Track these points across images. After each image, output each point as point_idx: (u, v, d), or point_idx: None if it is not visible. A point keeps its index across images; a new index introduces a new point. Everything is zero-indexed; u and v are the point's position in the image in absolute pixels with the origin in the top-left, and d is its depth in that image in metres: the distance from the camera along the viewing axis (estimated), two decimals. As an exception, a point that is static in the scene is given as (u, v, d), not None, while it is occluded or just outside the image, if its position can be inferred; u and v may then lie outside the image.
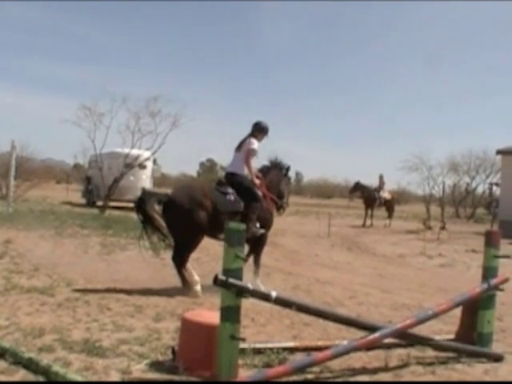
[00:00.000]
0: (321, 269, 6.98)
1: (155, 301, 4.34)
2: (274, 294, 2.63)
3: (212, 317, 2.76)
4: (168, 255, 5.12)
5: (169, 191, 5.07)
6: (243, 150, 5.03)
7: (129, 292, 4.60)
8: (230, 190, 4.94)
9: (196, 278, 4.58)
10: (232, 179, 5.01)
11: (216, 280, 2.48)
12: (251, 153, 5.02)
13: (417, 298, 5.19)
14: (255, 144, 5.06)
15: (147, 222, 4.80)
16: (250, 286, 2.56)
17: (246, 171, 5.05)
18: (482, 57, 78.62)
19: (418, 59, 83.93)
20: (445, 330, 3.82)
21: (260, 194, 5.07)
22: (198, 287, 4.56)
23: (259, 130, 5.18)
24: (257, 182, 5.11)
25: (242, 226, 2.62)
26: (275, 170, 5.50)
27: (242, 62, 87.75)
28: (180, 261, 4.70)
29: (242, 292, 2.49)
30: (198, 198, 4.77)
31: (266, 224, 5.18)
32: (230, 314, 2.47)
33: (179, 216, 4.69)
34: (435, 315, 3.14)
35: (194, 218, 4.70)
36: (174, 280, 4.93)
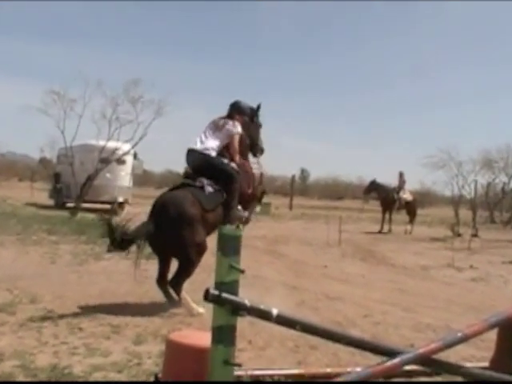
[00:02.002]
0: (330, 282, 6.98)
1: (135, 319, 4.33)
2: (275, 311, 2.62)
3: (202, 338, 2.75)
4: (150, 266, 5.11)
5: (151, 208, 4.88)
6: (224, 133, 4.98)
7: (104, 309, 4.59)
8: (204, 180, 4.90)
9: (193, 304, 4.59)
10: (198, 158, 4.95)
11: (207, 295, 2.46)
12: (237, 138, 5.01)
13: (444, 318, 5.19)
14: (239, 127, 5.03)
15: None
16: (247, 302, 2.54)
17: (214, 152, 4.96)
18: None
19: (447, 50, 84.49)
20: (477, 356, 3.82)
21: (235, 168, 5.06)
22: (201, 309, 4.53)
23: (239, 112, 5.12)
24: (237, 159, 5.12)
25: (239, 232, 2.60)
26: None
27: (239, 46, 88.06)
28: (178, 288, 4.68)
29: (238, 309, 2.48)
30: (189, 212, 4.68)
31: (249, 202, 5.33)
32: (224, 334, 2.46)
33: (175, 242, 4.65)
34: (466, 338, 3.12)
35: (194, 237, 4.68)
36: (158, 295, 4.92)
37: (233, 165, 5.06)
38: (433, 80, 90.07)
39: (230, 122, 5.03)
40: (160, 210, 4.75)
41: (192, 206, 4.73)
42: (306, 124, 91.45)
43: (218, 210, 4.93)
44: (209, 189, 4.90)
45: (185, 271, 4.71)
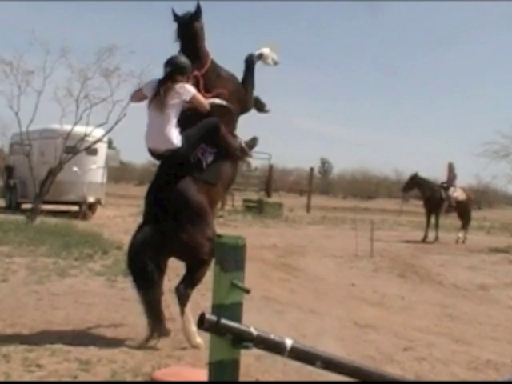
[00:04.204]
0: (359, 305, 6.99)
1: (110, 353, 4.33)
2: (289, 342, 2.61)
3: (196, 377, 2.75)
4: (129, 284, 5.11)
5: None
6: (176, 106, 4.87)
7: (70, 340, 4.59)
8: (198, 154, 4.92)
9: (194, 328, 4.60)
10: (173, 157, 4.91)
11: (202, 321, 2.46)
12: (197, 96, 4.89)
13: (509, 353, 5.17)
14: (191, 88, 4.90)
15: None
16: (253, 330, 2.54)
17: (177, 139, 4.89)
18: None
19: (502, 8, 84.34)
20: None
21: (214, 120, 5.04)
22: (199, 339, 4.58)
23: (181, 71, 4.96)
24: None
25: (241, 241, 2.59)
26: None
27: (245, 6, 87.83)
28: (185, 298, 4.74)
29: (242, 339, 2.47)
30: (197, 201, 4.79)
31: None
32: (224, 372, 2.45)
33: (183, 241, 4.75)
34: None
35: (205, 232, 4.79)
36: (140, 321, 4.93)
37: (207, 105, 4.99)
38: (490, 47, 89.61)
39: (177, 89, 4.86)
40: (160, 204, 4.82)
41: (199, 192, 4.82)
42: (328, 103, 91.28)
43: (226, 172, 5.08)
44: (208, 158, 4.94)
45: (196, 275, 4.80)
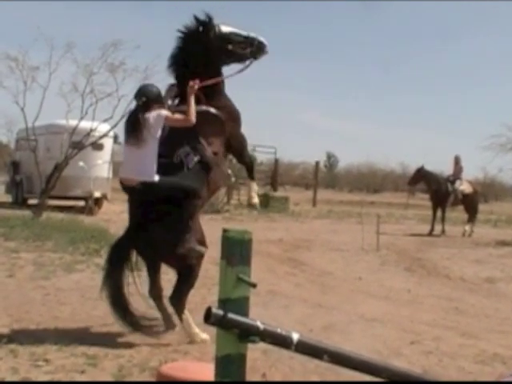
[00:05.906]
0: (366, 299, 6.98)
1: (117, 348, 4.35)
2: (295, 336, 2.61)
3: (202, 371, 2.75)
4: (135, 279, 5.12)
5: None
6: (151, 138, 4.73)
7: (77, 335, 4.62)
8: (180, 152, 4.80)
9: (196, 329, 4.64)
10: (156, 192, 4.77)
11: (209, 316, 2.46)
12: (170, 116, 4.80)
13: (516, 345, 5.17)
14: (162, 111, 4.82)
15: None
16: (260, 324, 2.54)
17: (154, 174, 4.75)
18: None
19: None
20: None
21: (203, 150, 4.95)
22: (204, 335, 4.60)
23: (157, 101, 4.91)
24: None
25: (248, 235, 2.59)
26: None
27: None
28: (181, 307, 4.72)
29: (249, 334, 2.47)
30: (181, 205, 4.76)
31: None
32: (230, 367, 2.45)
33: (167, 246, 4.73)
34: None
35: (191, 236, 4.77)
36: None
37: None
38: (496, 39, 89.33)
39: (152, 120, 4.74)
40: (145, 208, 4.77)
41: (183, 197, 4.74)
42: (334, 97, 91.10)
43: (211, 178, 4.96)
44: (189, 162, 4.78)
45: (186, 282, 4.77)
